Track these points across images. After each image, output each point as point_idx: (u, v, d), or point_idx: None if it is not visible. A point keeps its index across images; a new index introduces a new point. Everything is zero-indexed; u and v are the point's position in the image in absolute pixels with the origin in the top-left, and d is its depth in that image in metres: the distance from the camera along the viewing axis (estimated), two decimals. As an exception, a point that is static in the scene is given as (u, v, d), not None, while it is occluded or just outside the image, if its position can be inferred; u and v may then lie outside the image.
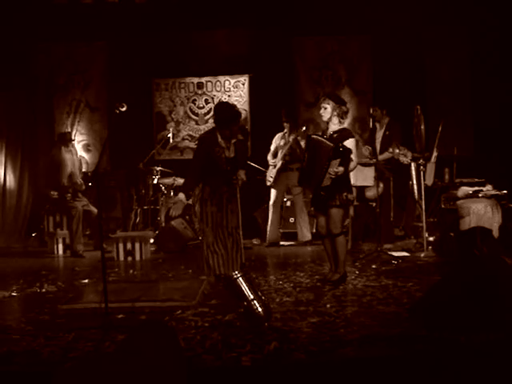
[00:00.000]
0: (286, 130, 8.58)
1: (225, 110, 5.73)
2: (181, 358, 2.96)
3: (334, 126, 5.59)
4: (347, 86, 10.37)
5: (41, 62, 10.32)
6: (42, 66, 10.32)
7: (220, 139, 5.67)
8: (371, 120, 7.80)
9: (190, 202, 6.02)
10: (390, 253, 7.13)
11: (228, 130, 5.66)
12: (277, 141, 8.68)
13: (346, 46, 10.33)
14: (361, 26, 9.66)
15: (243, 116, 10.49)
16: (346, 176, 5.53)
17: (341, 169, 5.31)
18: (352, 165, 5.56)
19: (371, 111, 8.02)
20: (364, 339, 3.73)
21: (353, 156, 5.48)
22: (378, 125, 8.16)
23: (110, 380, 2.65)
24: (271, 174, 8.54)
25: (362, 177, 7.81)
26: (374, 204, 7.99)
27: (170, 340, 2.97)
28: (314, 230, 8.96)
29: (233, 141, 5.80)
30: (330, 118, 5.57)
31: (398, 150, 7.63)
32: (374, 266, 6.48)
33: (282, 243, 8.64)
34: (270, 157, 8.68)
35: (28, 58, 10.05)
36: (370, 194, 8.27)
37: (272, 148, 8.69)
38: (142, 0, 9.17)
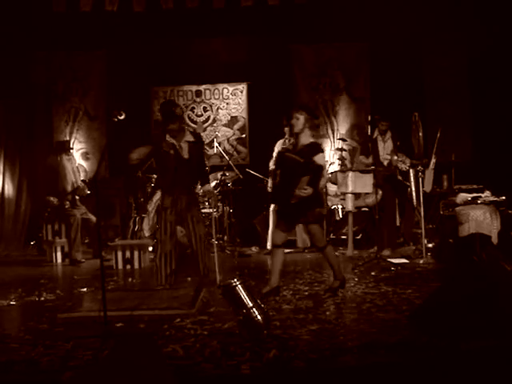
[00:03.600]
0: (286, 136, 8.59)
1: (164, 107, 6.00)
2: (166, 369, 2.94)
3: (305, 138, 5.48)
4: (345, 92, 10.41)
5: (39, 71, 10.34)
6: (41, 74, 10.34)
7: (168, 137, 5.87)
8: (369, 127, 7.80)
9: None
10: (389, 260, 7.13)
11: (171, 126, 5.82)
12: (278, 147, 8.68)
13: (343, 53, 10.37)
14: (358, 33, 9.70)
15: (241, 123, 10.53)
16: (317, 192, 5.46)
17: (309, 190, 5.24)
18: (322, 181, 5.58)
19: (381, 126, 8.00)
20: (364, 346, 3.72)
21: (324, 172, 5.53)
22: (380, 137, 8.12)
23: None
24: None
25: (360, 184, 7.83)
26: (370, 210, 8.02)
27: (152, 351, 2.96)
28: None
29: (184, 139, 5.93)
30: (301, 130, 5.47)
31: (396, 157, 7.65)
32: (373, 273, 6.47)
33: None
34: (271, 163, 8.68)
35: (27, 66, 10.08)
36: (368, 200, 8.28)
37: (274, 155, 8.70)
38: (140, 8, 9.18)
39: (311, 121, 5.53)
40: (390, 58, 9.50)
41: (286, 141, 8.58)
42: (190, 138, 6.02)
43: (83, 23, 9.44)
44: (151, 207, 8.03)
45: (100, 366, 3.13)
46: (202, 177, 6.26)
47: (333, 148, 10.30)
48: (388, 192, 7.99)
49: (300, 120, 5.47)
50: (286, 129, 8.58)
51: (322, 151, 5.54)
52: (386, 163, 8.00)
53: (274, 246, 5.64)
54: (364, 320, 4.44)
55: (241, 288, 4.03)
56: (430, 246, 7.62)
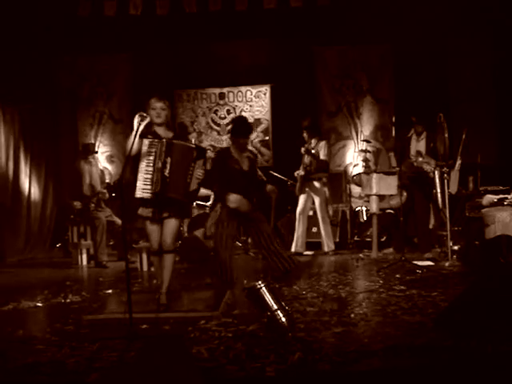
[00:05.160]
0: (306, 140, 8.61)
1: (238, 121, 6.20)
2: (194, 370, 2.94)
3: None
4: (369, 94, 10.37)
5: (64, 75, 10.48)
6: (66, 78, 10.48)
7: (234, 151, 6.05)
8: (394, 128, 7.74)
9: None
10: (413, 262, 7.07)
11: (242, 141, 6.03)
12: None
13: (367, 54, 10.33)
14: (382, 34, 9.65)
15: (265, 126, 10.54)
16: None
17: (202, 171, 5.09)
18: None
19: (417, 128, 7.92)
20: (389, 349, 3.68)
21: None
22: (415, 136, 8.02)
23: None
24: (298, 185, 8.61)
25: (385, 185, 7.78)
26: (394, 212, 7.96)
27: (183, 352, 2.97)
28: (338, 240, 8.96)
29: (245, 154, 6.11)
30: None
31: (421, 159, 7.58)
32: (397, 276, 6.42)
33: (305, 253, 8.62)
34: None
35: (52, 71, 10.20)
36: (393, 202, 8.22)
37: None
38: (163, 12, 9.24)
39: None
40: (414, 58, 9.44)
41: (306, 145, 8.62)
42: (248, 152, 6.25)
43: (107, 27, 9.53)
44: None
45: (128, 367, 3.15)
46: (259, 189, 6.39)
47: (357, 150, 10.26)
48: (416, 193, 7.90)
49: None
50: (305, 135, 8.61)
51: None
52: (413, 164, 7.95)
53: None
54: (389, 323, 4.40)
55: (265, 290, 4.02)
56: (455, 248, 7.53)
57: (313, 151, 8.36)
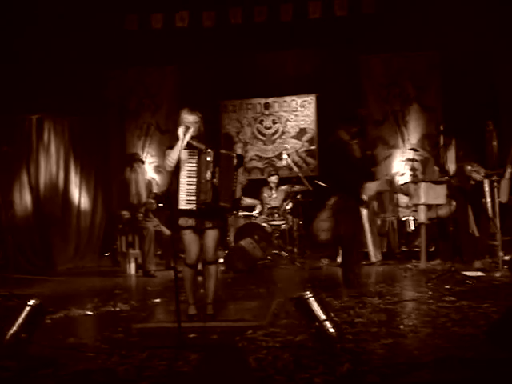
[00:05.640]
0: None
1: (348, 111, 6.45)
2: (251, 380, 2.95)
3: None
4: (415, 102, 10.25)
5: (113, 88, 10.67)
6: (114, 91, 10.67)
7: (348, 140, 6.12)
8: (442, 137, 7.62)
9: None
10: (463, 272, 6.93)
11: (353, 129, 6.11)
12: None
13: (413, 62, 10.22)
14: (428, 41, 9.53)
15: (310, 135, 10.53)
16: None
17: (245, 178, 5.18)
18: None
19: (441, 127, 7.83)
20: (439, 361, 3.62)
21: None
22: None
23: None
24: None
25: (433, 195, 7.66)
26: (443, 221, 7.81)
27: (242, 363, 2.97)
28: (385, 250, 8.86)
29: (355, 141, 6.13)
30: None
31: (470, 167, 7.45)
32: (447, 286, 6.30)
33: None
34: None
35: (100, 83, 10.39)
36: (441, 212, 8.08)
37: None
38: (209, 24, 9.35)
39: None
40: (462, 65, 9.29)
41: None
42: (356, 140, 6.23)
43: (154, 40, 9.68)
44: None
45: (191, 377, 3.18)
46: (370, 176, 6.42)
47: (403, 158, 10.14)
48: (460, 203, 7.77)
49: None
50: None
51: None
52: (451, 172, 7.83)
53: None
54: (439, 334, 4.32)
55: (313, 300, 4.00)
56: (506, 258, 7.37)
57: None
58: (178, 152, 4.78)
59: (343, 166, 6.05)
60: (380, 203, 9.26)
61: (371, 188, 5.95)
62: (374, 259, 8.44)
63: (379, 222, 9.07)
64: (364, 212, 8.44)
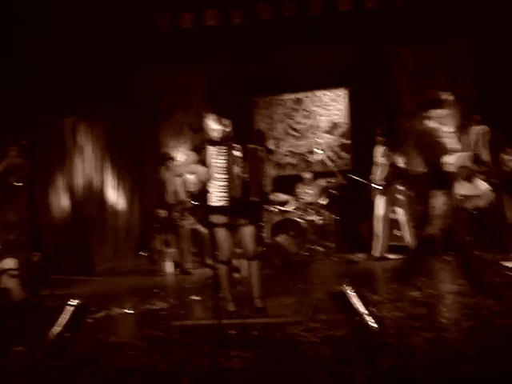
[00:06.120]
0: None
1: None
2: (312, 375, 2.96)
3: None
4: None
5: (144, 88, 10.74)
6: (145, 91, 10.73)
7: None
8: (472, 126, 7.51)
9: None
10: (503, 264, 6.81)
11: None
12: (378, 153, 8.65)
13: (445, 52, 10.04)
14: (460, 30, 9.36)
15: (343, 129, 10.46)
16: None
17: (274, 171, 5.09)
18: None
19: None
20: (483, 354, 3.57)
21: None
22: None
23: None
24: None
25: (470, 186, 7.54)
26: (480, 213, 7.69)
27: (301, 358, 2.99)
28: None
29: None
30: None
31: (506, 156, 7.33)
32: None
33: (389, 256, 8.47)
34: (378, 171, 8.61)
35: (132, 84, 10.48)
36: (478, 203, 7.95)
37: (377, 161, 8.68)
38: (239, 21, 9.35)
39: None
40: (496, 54, 9.10)
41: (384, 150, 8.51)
42: None
43: (185, 40, 9.71)
44: None
45: (250, 374, 3.20)
46: None
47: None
48: (497, 192, 7.65)
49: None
50: (380, 138, 8.51)
51: None
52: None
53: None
54: (482, 327, 4.26)
55: (353, 295, 3.98)
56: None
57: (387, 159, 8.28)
58: (188, 171, 4.84)
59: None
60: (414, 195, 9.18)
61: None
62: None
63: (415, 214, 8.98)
64: (399, 205, 8.39)
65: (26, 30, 8.72)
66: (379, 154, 8.63)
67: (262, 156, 4.98)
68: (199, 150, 5.00)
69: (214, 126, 4.95)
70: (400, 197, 8.51)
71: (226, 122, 5.00)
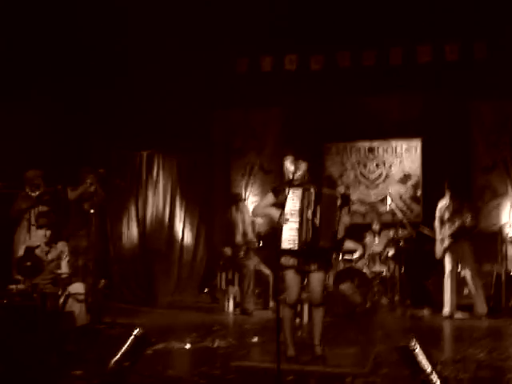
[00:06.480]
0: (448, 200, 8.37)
1: None
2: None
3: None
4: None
5: (219, 127, 10.94)
6: (220, 130, 10.93)
7: None
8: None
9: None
10: None
11: None
12: (440, 208, 8.45)
13: (524, 109, 9.81)
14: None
15: (415, 180, 10.29)
16: None
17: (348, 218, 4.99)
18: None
19: None
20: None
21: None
22: None
23: None
24: (439, 247, 8.30)
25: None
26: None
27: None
28: (491, 303, 8.44)
29: None
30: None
31: None
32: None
33: (456, 315, 8.17)
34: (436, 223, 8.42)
35: (207, 122, 10.70)
36: None
37: (437, 214, 8.45)
38: (317, 67, 9.45)
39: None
40: None
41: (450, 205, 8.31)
42: None
43: (262, 82, 9.87)
44: None
45: None
46: None
47: (513, 208, 9.68)
48: None
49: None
50: (447, 192, 8.32)
51: None
52: None
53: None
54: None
55: (419, 351, 3.85)
56: None
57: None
58: (264, 213, 4.93)
59: None
60: (487, 254, 8.89)
61: None
62: (479, 311, 8.03)
63: (484, 273, 8.68)
64: (466, 262, 8.13)
65: (109, 69, 9.12)
66: (448, 208, 8.41)
67: (336, 201, 4.96)
68: (277, 191, 5.04)
69: (291, 168, 4.99)
70: (466, 253, 8.23)
71: (303, 164, 5.03)
